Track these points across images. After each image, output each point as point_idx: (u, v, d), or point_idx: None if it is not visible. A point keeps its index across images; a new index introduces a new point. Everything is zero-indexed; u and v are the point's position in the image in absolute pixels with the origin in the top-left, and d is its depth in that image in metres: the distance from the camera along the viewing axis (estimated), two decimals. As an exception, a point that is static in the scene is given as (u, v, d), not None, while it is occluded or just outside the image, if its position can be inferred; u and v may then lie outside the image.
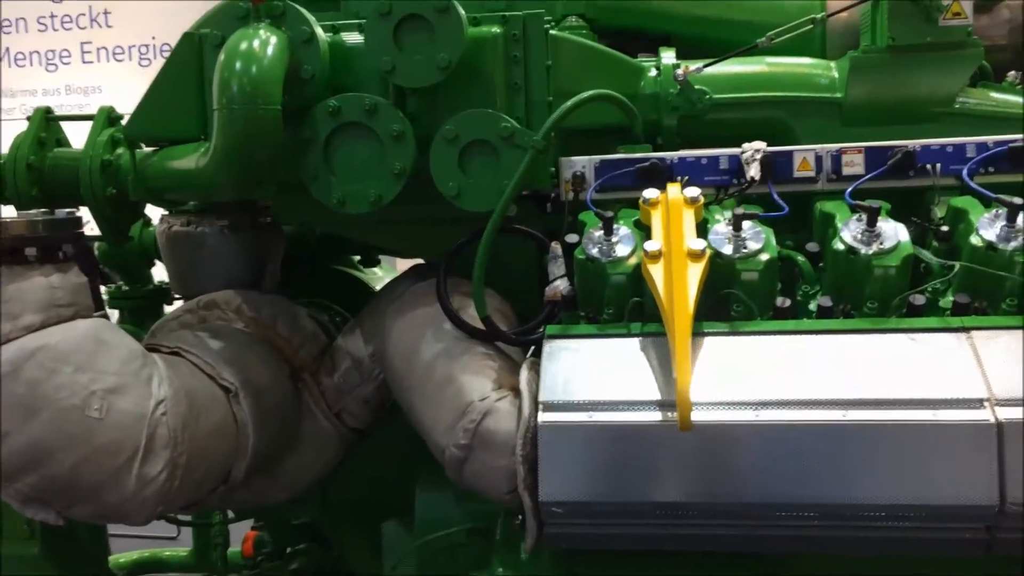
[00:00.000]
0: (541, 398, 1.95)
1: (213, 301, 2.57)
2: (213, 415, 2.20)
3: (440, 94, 2.24)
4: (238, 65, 2.06)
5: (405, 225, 2.47)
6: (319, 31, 2.21)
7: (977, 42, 2.30)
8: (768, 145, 2.27)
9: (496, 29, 2.26)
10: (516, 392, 2.05)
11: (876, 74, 2.36)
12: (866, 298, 2.04)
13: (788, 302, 2.08)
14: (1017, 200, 1.97)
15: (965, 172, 2.14)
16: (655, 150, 2.40)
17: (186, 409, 2.11)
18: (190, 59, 2.28)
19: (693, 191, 2.13)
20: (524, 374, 2.05)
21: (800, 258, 2.20)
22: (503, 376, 2.14)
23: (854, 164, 2.23)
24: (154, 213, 2.89)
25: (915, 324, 1.98)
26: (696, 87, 2.45)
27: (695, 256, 1.98)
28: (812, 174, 2.26)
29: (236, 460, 2.26)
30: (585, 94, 2.22)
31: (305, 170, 2.23)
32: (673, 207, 1.91)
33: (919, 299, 2.02)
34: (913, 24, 2.29)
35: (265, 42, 2.10)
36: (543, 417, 1.93)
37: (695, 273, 1.96)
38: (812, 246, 2.19)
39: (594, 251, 2.10)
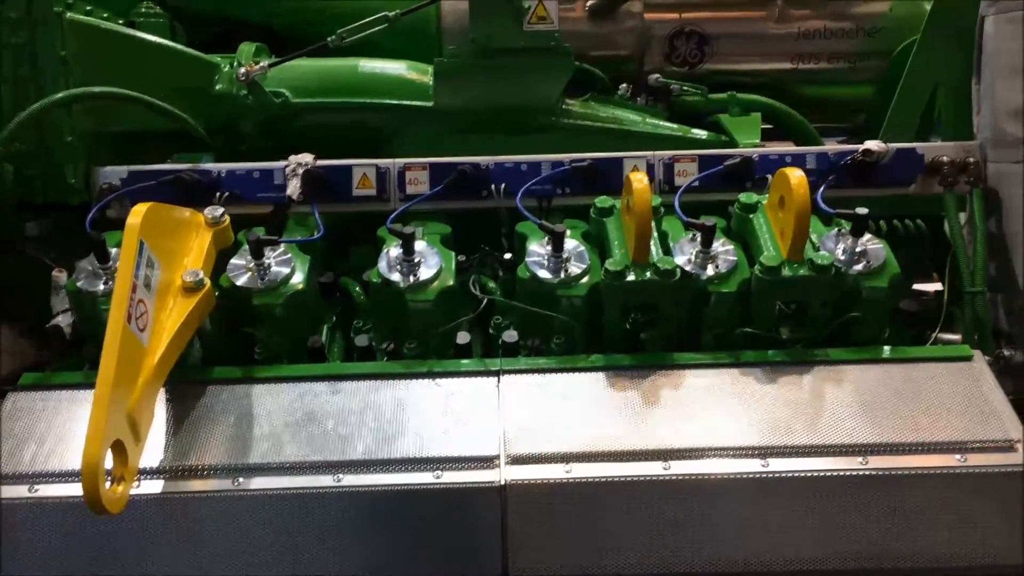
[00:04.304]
0: (-30, 469, 1.57)
1: None
2: None
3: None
4: None
5: None
6: None
7: (567, 50, 2.08)
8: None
9: (-14, 8, 1.87)
10: None
11: (464, 80, 2.12)
12: (407, 336, 1.78)
13: (320, 342, 1.80)
14: (559, 227, 1.76)
15: (519, 194, 1.92)
16: (239, 159, 2.08)
17: None
18: None
19: (216, 210, 1.81)
20: (-32, 438, 1.66)
21: (357, 289, 1.94)
22: None
23: (418, 182, 1.97)
24: None
25: (447, 367, 1.73)
26: (273, 90, 2.15)
27: (189, 289, 1.66)
28: (373, 192, 1.98)
29: None
30: (68, 92, 1.86)
31: None
32: (129, 230, 1.55)
33: (464, 337, 1.78)
34: (500, 27, 2.06)
35: None
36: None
37: (183, 310, 1.63)
38: (368, 275, 1.92)
39: (83, 281, 1.74)
